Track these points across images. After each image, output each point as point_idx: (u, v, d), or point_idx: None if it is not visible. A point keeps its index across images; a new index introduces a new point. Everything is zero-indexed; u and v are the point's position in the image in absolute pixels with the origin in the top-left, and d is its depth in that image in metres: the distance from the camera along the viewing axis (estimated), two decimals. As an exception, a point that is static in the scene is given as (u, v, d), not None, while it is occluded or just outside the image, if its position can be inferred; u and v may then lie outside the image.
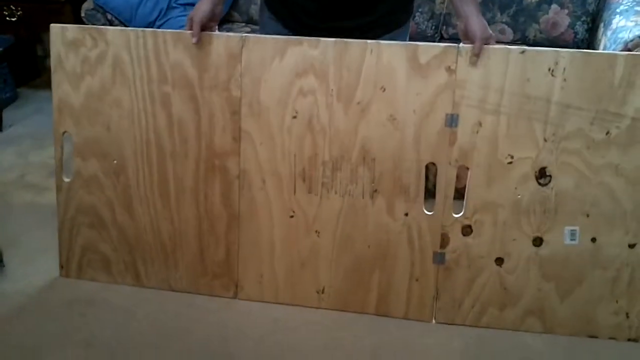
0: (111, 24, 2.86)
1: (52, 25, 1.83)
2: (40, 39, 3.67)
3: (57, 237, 2.00)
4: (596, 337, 1.77)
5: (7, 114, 3.19)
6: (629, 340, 1.76)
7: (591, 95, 1.61)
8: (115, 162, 1.87)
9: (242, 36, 1.74)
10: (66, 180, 1.92)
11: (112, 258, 1.96)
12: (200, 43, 1.74)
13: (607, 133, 1.63)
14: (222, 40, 1.75)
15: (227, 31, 2.75)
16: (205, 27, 1.74)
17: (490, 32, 1.62)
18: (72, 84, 1.84)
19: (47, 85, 3.51)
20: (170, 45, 1.76)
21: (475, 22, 1.62)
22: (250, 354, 1.75)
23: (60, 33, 1.82)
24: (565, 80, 1.61)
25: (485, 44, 1.62)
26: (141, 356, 1.76)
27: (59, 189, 1.93)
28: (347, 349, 1.78)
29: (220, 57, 1.75)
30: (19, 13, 2.95)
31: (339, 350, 1.77)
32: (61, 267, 2.00)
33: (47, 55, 3.72)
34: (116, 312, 1.91)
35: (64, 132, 1.89)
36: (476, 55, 1.62)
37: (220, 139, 1.80)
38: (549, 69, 1.61)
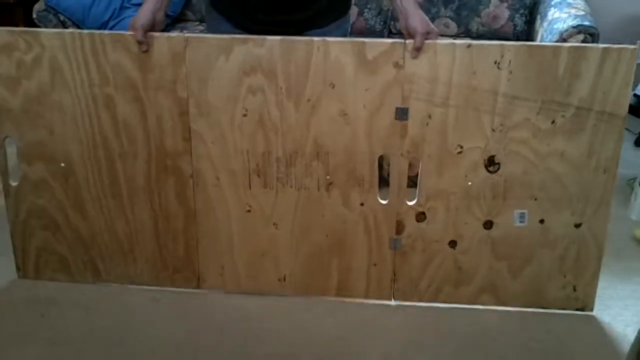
0: (64, 25, 2.88)
1: (-21, 28, 1.83)
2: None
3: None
4: (546, 308, 1.97)
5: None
6: (576, 310, 1.97)
7: (537, 86, 1.73)
8: (62, 165, 1.93)
9: (185, 36, 1.77)
10: (13, 184, 1.97)
11: (70, 258, 2.06)
12: (147, 49, 1.78)
13: (553, 122, 1.76)
14: (164, 40, 1.79)
15: (181, 30, 2.78)
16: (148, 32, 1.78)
17: (432, 26, 1.70)
18: (9, 88, 1.87)
19: None
20: (109, 46, 1.79)
21: (415, 17, 1.69)
22: (215, 344, 1.90)
23: (-10, 37, 1.82)
24: (511, 72, 1.72)
25: (427, 39, 1.69)
26: (106, 352, 1.89)
27: (6, 194, 2.00)
28: (311, 331, 1.95)
29: (164, 58, 1.79)
30: (-33, 13, 2.84)
31: (303, 332, 1.94)
32: (18, 269, 2.10)
33: None
34: (78, 310, 2.03)
35: (5, 137, 1.92)
36: (417, 50, 1.70)
37: (171, 140, 1.87)
38: (495, 62, 1.71)
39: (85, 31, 1.82)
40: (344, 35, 1.90)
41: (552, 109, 1.74)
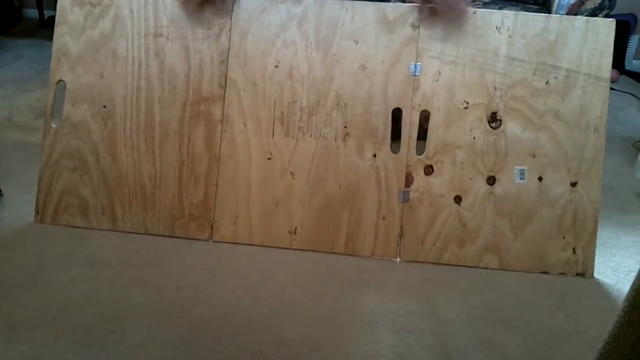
0: None
1: (60, -16, 2.20)
2: (17, -11, 4.03)
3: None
4: (548, 272, 2.06)
5: (-13, 61, 3.51)
6: (577, 275, 2.06)
7: (532, 50, 2.05)
8: (104, 107, 2.16)
9: (234, -5, 2.14)
10: (54, 126, 2.18)
11: (91, 202, 2.19)
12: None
13: (547, 82, 2.05)
14: (216, -2, 2.14)
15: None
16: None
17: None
18: (73, 36, 2.17)
19: (23, 34, 3.92)
20: (168, 2, 2.14)
21: None
22: (222, 295, 1.97)
23: (67, -9, 2.19)
24: (510, 37, 2.05)
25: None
26: (142, 274, 2.01)
27: (46, 134, 2.19)
28: (317, 287, 2.00)
29: (213, 13, 2.13)
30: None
31: (309, 289, 2.00)
32: (37, 212, 2.21)
33: (22, 5, 4.12)
34: (114, 236, 2.18)
35: (59, 80, 2.18)
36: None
37: (208, 86, 2.13)
38: (496, 27, 2.05)
39: (150, -11, 2.19)
40: None
41: (546, 71, 2.04)
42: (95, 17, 2.17)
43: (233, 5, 2.13)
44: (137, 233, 2.18)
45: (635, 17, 3.55)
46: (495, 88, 2.06)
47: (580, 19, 2.05)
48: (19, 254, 2.10)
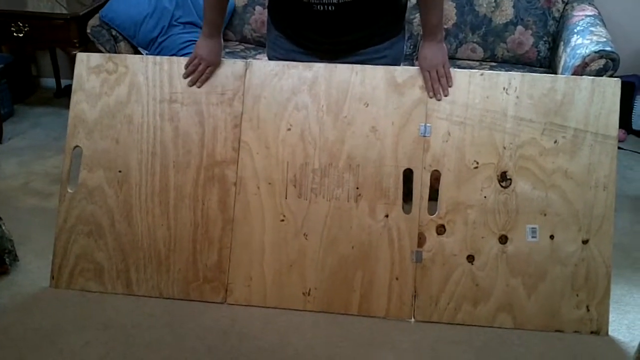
0: (115, 40, 3.26)
1: (78, 53, 2.35)
2: (35, 59, 4.20)
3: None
4: (562, 331, 2.13)
5: (6, 128, 3.63)
6: (591, 333, 2.13)
7: (540, 110, 2.17)
8: (120, 172, 2.28)
9: (246, 61, 2.26)
10: (70, 191, 2.29)
11: (106, 266, 2.29)
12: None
13: (555, 142, 2.15)
14: (229, 64, 2.28)
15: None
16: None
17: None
18: (90, 102, 2.31)
19: (40, 102, 4.10)
20: (183, 69, 2.27)
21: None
22: (237, 357, 2.06)
23: (85, 60, 2.34)
24: (517, 97, 2.17)
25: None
26: (156, 336, 2.11)
27: (62, 199, 2.31)
28: (332, 349, 2.09)
29: (227, 79, 2.27)
30: (26, 29, 3.29)
31: (323, 351, 2.08)
32: (52, 277, 2.31)
33: (40, 74, 4.29)
34: (129, 300, 2.27)
35: (75, 146, 2.30)
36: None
37: (221, 150, 2.25)
38: (504, 88, 2.17)
39: (165, 57, 2.32)
40: (400, 52, 2.29)
41: (554, 130, 2.15)
42: (112, 84, 2.31)
43: (246, 71, 2.26)
44: (152, 297, 2.28)
45: (639, 79, 3.69)
46: (504, 148, 2.16)
47: (586, 79, 2.17)
48: (34, 318, 2.20)
